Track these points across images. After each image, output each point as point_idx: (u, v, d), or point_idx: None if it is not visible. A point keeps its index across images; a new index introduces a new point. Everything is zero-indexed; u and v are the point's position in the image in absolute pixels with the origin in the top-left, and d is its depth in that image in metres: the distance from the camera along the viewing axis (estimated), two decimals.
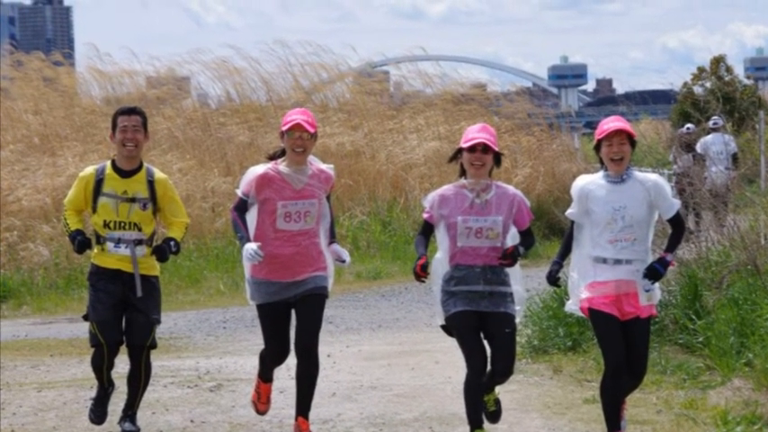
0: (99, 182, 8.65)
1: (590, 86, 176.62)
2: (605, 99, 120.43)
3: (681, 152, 18.78)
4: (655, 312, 8.09)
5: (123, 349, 8.73)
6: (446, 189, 8.19)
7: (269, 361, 8.74)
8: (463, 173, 8.13)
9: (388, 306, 16.47)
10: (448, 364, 11.21)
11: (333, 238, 8.68)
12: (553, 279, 8.04)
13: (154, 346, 8.74)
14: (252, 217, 8.49)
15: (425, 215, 8.18)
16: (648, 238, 7.95)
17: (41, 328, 15.43)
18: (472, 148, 8.02)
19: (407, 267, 17.89)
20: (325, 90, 27.13)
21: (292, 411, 8.60)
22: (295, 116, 8.44)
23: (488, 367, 8.05)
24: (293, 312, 8.53)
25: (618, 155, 7.82)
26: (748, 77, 42.78)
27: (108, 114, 18.63)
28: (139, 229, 8.64)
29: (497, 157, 8.11)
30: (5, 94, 24.41)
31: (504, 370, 8.07)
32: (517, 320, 8.18)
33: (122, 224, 8.61)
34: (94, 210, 8.66)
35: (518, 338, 8.79)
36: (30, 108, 24.03)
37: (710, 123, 19.73)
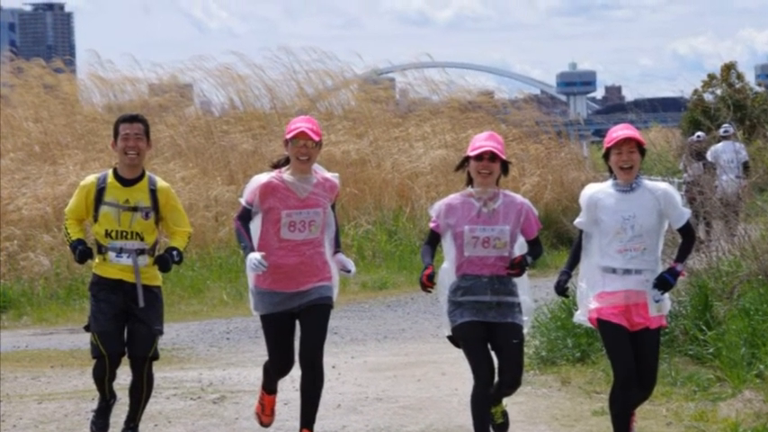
0: (100, 191, 8.59)
1: (599, 94, 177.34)
2: (614, 106, 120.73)
3: (691, 160, 18.73)
4: (665, 323, 8.04)
5: (125, 360, 8.67)
6: (453, 198, 8.14)
7: (273, 372, 8.70)
8: (470, 181, 8.08)
9: (393, 317, 16.44)
10: (455, 375, 11.16)
11: (338, 247, 8.64)
12: (561, 289, 7.99)
13: (156, 357, 8.68)
14: (256, 226, 8.44)
15: (432, 224, 8.13)
16: (658, 247, 7.90)
17: (42, 339, 15.41)
18: (479, 157, 7.96)
19: (413, 277, 17.88)
20: (329, 97, 27.10)
21: (297, 423, 8.54)
22: (299, 124, 8.39)
23: (496, 379, 7.99)
24: (297, 323, 8.48)
25: (627, 163, 7.77)
26: (759, 84, 42.66)
27: (109, 122, 18.48)
28: (141, 239, 8.58)
29: (505, 166, 8.07)
30: (5, 102, 24.40)
31: (511, 381, 8.02)
32: (525, 331, 8.14)
33: (124, 233, 8.55)
34: (96, 219, 8.61)
35: (526, 349, 8.74)
36: (30, 116, 24.01)
37: (721, 131, 19.67)
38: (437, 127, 25.97)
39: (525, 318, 8.12)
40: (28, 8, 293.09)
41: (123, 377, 9.15)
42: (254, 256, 8.16)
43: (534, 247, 8.10)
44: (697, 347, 10.73)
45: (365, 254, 20.89)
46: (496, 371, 7.98)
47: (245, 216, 8.40)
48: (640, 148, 7.80)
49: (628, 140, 7.75)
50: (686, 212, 7.91)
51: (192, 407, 10.38)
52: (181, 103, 26.40)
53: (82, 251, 8.54)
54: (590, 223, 7.88)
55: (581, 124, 35.57)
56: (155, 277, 8.68)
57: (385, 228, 21.97)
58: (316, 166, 8.49)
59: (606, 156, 7.87)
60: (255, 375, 10.77)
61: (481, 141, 8.03)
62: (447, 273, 8.08)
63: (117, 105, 24.95)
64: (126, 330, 8.59)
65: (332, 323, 8.91)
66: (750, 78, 44.32)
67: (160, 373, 10.32)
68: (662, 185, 7.96)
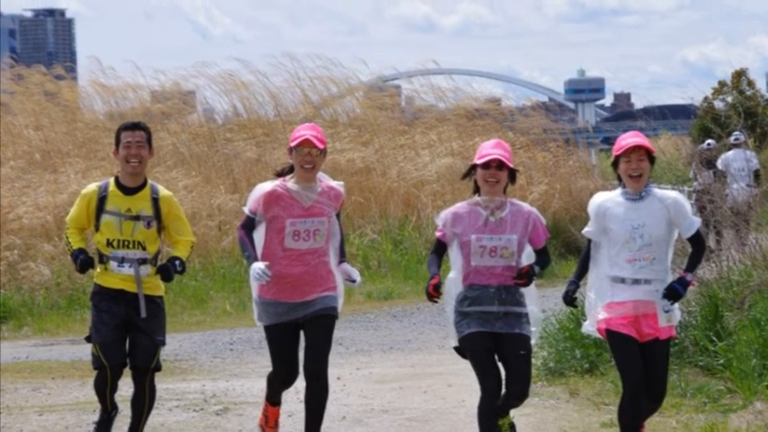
0: (102, 199, 8.55)
1: (607, 101, 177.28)
2: (623, 114, 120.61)
3: (701, 169, 18.66)
4: (674, 333, 8.01)
5: (127, 372, 8.61)
6: (459, 207, 8.08)
7: (277, 384, 8.62)
8: (477, 190, 8.03)
9: (399, 327, 16.41)
10: (461, 386, 11.09)
11: (343, 257, 8.58)
12: (570, 299, 7.97)
13: (158, 368, 8.62)
14: (259, 235, 8.39)
15: (438, 233, 8.07)
16: (668, 257, 7.87)
17: (43, 350, 15.37)
18: (486, 165, 7.90)
19: (419, 287, 17.82)
20: (334, 105, 27.06)
21: None
22: (304, 131, 8.34)
23: (503, 390, 7.90)
24: (302, 333, 8.41)
25: (636, 171, 7.74)
26: None
27: (111, 130, 18.48)
28: (143, 248, 8.52)
29: (512, 174, 8.01)
30: (6, 109, 24.40)
31: (519, 393, 7.94)
32: (533, 342, 8.08)
33: (126, 243, 8.49)
34: (97, 228, 8.55)
35: (533, 360, 8.69)
36: (31, 123, 24.00)
37: (732, 139, 19.62)
38: (443, 134, 25.92)
39: (533, 328, 8.06)
40: (28, 14, 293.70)
41: (125, 388, 9.08)
42: (258, 266, 8.09)
43: (542, 256, 8.05)
44: (707, 358, 10.69)
45: (370, 263, 20.84)
46: (504, 382, 7.89)
47: (249, 225, 8.34)
48: (650, 156, 7.77)
49: (637, 148, 7.72)
50: (696, 221, 7.88)
51: (195, 419, 10.32)
52: (183, 110, 26.37)
53: (83, 260, 8.49)
54: (599, 232, 7.85)
55: (589, 132, 35.54)
56: (157, 287, 8.62)
57: (390, 237, 21.91)
58: (320, 175, 8.43)
59: (615, 164, 7.84)
60: (259, 387, 10.70)
61: (488, 149, 7.97)
62: (453, 282, 8.03)
63: (119, 113, 24.94)
64: (128, 341, 8.54)
65: (337, 334, 8.84)
66: (761, 85, 44.44)
67: (162, 384, 10.28)
68: (671, 194, 7.93)
